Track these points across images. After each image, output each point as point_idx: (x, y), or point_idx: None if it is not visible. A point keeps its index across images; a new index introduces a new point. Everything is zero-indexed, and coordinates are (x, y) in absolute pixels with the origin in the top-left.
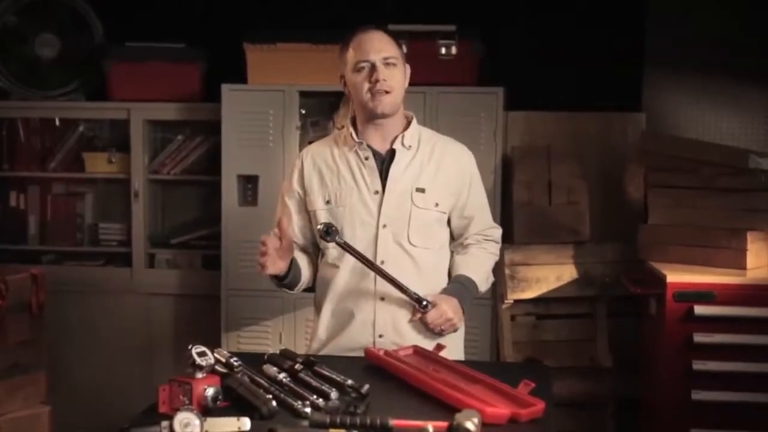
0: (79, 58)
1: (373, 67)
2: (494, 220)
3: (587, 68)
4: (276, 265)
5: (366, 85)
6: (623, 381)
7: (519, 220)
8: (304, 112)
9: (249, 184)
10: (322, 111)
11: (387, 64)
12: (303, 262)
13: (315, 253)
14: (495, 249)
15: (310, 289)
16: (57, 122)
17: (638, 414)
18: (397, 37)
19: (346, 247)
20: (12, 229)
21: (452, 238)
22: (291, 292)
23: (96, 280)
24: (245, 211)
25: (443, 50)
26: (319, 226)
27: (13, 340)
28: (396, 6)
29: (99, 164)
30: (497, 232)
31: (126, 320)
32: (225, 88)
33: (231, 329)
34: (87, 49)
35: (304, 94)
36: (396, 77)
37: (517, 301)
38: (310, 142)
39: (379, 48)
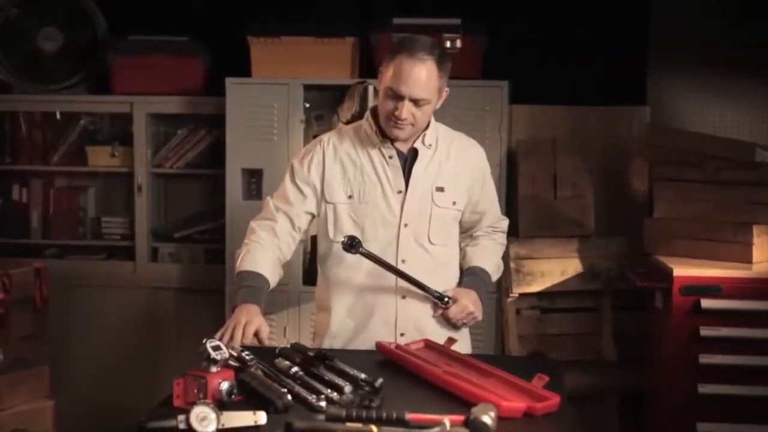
0: (82, 51)
1: (401, 99)
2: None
3: (591, 62)
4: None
5: (389, 114)
6: (628, 375)
7: (524, 214)
8: (308, 105)
9: (253, 177)
10: (326, 104)
11: (416, 104)
12: (275, 274)
13: (298, 239)
14: (503, 239)
15: (312, 282)
16: (58, 116)
17: (642, 407)
18: (444, 61)
19: (370, 257)
20: (14, 222)
21: (461, 230)
22: None
23: (99, 274)
24: (249, 205)
25: (448, 44)
26: (342, 239)
27: (16, 334)
28: None
29: (102, 158)
30: (505, 223)
31: (129, 314)
32: (229, 81)
33: None
34: (89, 43)
35: (308, 88)
36: (422, 113)
37: (522, 295)
38: (314, 136)
39: (414, 85)
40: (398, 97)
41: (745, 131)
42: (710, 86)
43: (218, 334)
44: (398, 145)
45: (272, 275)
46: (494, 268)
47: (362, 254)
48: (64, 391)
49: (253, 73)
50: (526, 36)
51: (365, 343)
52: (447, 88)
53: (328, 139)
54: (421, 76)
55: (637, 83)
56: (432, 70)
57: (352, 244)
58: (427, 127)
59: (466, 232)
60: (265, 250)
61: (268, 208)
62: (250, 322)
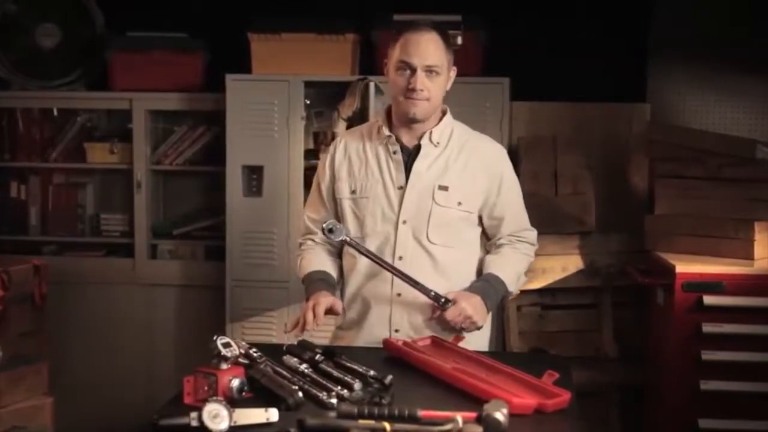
0: (80, 47)
1: (413, 72)
2: None
3: (592, 58)
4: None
5: (403, 89)
6: (628, 371)
7: None
8: (308, 102)
9: (254, 174)
10: (327, 101)
11: (429, 72)
12: (336, 267)
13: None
14: (529, 250)
15: None
16: (55, 112)
17: (643, 403)
18: (448, 38)
19: (354, 246)
20: (13, 219)
21: (487, 238)
22: None
23: (98, 271)
24: (250, 202)
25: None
26: (323, 225)
27: (15, 330)
28: None
29: (100, 154)
30: (532, 234)
31: (128, 311)
32: (229, 78)
33: (235, 320)
34: (88, 39)
35: (308, 85)
36: (436, 86)
37: (523, 292)
38: (315, 133)
39: (425, 54)
40: (410, 70)
41: (744, 128)
42: (710, 83)
43: (290, 327)
44: (405, 140)
45: (331, 269)
46: (512, 278)
47: (344, 242)
48: (63, 388)
49: (253, 70)
50: (527, 33)
51: (363, 337)
52: (454, 67)
53: (342, 137)
54: (429, 44)
55: (637, 80)
56: (438, 40)
57: (332, 230)
58: (439, 122)
59: (490, 240)
60: (316, 252)
61: (305, 225)
62: (317, 304)
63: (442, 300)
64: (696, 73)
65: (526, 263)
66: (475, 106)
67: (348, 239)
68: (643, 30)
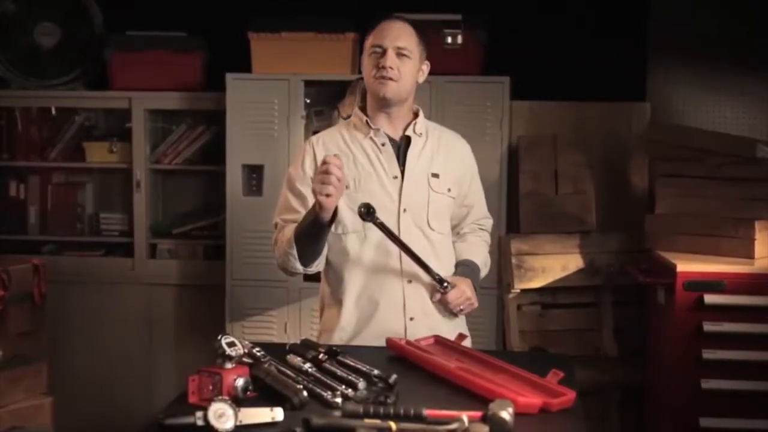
0: (79, 47)
1: (384, 53)
2: (499, 209)
3: (592, 57)
4: (338, 195)
5: (373, 70)
6: (628, 370)
7: (525, 210)
8: (308, 101)
9: (254, 173)
10: (327, 100)
11: (399, 54)
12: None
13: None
14: (488, 238)
15: (313, 278)
16: (53, 111)
17: (643, 403)
18: (421, 33)
19: (383, 228)
20: (12, 219)
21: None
22: (305, 269)
23: (97, 270)
24: (250, 201)
25: (449, 39)
26: (360, 206)
27: (14, 330)
28: None
29: (99, 154)
30: (490, 222)
31: (127, 310)
32: (229, 77)
33: (235, 319)
34: (87, 38)
35: (308, 83)
36: (405, 69)
37: (523, 291)
38: (314, 132)
39: (396, 37)
40: (381, 51)
41: (745, 127)
42: (710, 82)
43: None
44: (389, 133)
45: None
46: (483, 263)
47: (376, 224)
48: (63, 388)
49: (253, 69)
50: (527, 32)
51: (375, 331)
52: (427, 62)
53: (318, 138)
54: (401, 30)
55: (637, 79)
56: (410, 29)
57: (369, 212)
58: (417, 116)
59: (454, 228)
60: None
61: (277, 227)
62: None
63: (445, 284)
64: (696, 72)
65: (488, 249)
66: (476, 105)
67: (381, 221)
68: (642, 30)
